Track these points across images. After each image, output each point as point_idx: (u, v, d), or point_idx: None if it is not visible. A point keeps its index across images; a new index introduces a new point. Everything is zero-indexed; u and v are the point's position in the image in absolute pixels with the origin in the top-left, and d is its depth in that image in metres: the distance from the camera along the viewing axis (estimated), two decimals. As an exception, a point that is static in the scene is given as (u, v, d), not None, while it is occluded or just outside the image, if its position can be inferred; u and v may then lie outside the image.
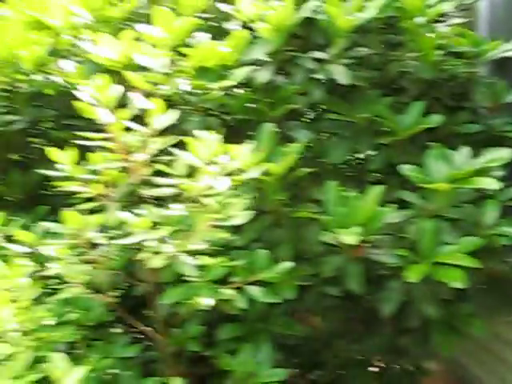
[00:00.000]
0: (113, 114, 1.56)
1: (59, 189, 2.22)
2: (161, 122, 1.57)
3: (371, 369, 2.49)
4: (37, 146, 2.52)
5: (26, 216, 2.11)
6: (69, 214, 1.51)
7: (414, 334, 2.24)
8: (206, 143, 1.51)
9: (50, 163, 2.28)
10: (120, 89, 1.64)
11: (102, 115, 1.50)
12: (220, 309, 1.72)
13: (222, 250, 1.75)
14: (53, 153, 1.66)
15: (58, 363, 1.26)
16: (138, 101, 1.59)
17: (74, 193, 2.00)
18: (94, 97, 1.53)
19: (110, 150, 1.61)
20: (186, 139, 1.53)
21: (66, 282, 1.74)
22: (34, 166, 2.40)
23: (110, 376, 1.74)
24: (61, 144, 2.38)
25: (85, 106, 1.49)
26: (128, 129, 1.60)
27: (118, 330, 1.85)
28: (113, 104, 1.57)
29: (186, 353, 1.92)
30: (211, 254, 1.63)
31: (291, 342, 2.14)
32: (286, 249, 1.91)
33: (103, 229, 1.62)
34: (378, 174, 2.19)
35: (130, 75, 1.73)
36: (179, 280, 1.68)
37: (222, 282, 1.65)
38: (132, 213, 1.53)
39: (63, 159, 1.64)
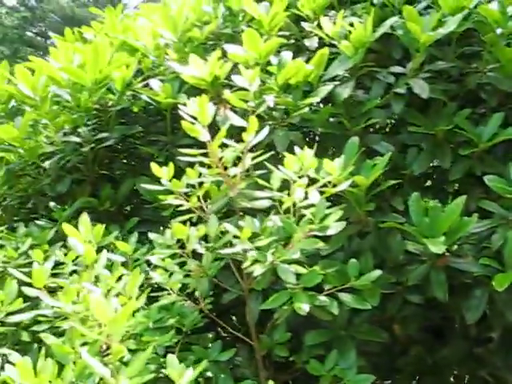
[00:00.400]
0: (209, 131, 1.66)
1: (148, 201, 2.38)
2: (255, 138, 1.66)
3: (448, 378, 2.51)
4: (124, 161, 2.69)
5: (118, 227, 2.25)
6: (176, 226, 1.62)
7: (493, 343, 2.26)
8: (299, 157, 1.59)
9: (137, 177, 2.44)
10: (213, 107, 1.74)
11: (202, 132, 1.59)
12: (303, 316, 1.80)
13: (308, 258, 1.83)
14: (154, 168, 1.76)
15: (173, 364, 1.35)
16: (232, 118, 1.68)
17: (163, 205, 2.13)
18: (192, 115, 1.63)
19: (207, 165, 1.71)
20: (281, 154, 1.62)
21: (162, 289, 1.86)
22: (121, 180, 2.55)
23: (203, 378, 1.85)
24: (147, 159, 2.53)
25: (187, 124, 1.59)
26: (223, 144, 1.70)
27: (210, 335, 1.94)
28: (209, 121, 1.67)
29: (272, 358, 2.01)
30: (300, 263, 1.71)
31: (372, 348, 2.18)
32: (369, 257, 1.96)
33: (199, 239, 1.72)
34: (457, 184, 2.23)
35: (227, 93, 1.82)
36: (270, 287, 1.78)
37: (313, 288, 1.72)
38: (232, 224, 1.62)
39: (163, 174, 1.74)
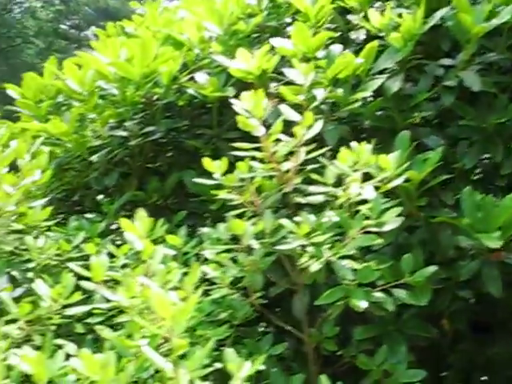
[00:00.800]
0: (263, 126, 1.66)
1: (193, 194, 2.40)
2: (308, 132, 1.66)
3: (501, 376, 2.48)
4: (168, 154, 2.70)
5: (165, 221, 2.26)
6: (234, 222, 1.62)
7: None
8: (354, 152, 1.58)
9: (183, 170, 2.45)
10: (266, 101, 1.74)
11: (256, 127, 1.59)
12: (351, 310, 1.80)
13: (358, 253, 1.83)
14: (206, 162, 1.77)
15: (231, 358, 1.36)
16: (286, 112, 1.68)
17: (210, 199, 2.14)
18: (246, 109, 1.63)
19: (259, 160, 1.71)
20: (336, 148, 1.61)
21: (212, 283, 1.87)
22: (167, 173, 2.57)
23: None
24: (192, 152, 2.55)
25: (242, 118, 1.60)
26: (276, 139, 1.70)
27: (261, 329, 1.95)
28: (263, 116, 1.67)
29: (319, 351, 2.01)
30: (355, 258, 1.70)
31: (420, 343, 2.17)
32: (419, 252, 1.94)
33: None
34: (508, 179, 2.19)
35: (273, 87, 1.82)
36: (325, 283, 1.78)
37: (368, 284, 1.71)
38: (289, 219, 1.62)
39: (215, 168, 1.75)
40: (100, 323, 1.79)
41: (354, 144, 1.64)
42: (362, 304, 1.57)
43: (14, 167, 2.18)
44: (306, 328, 1.87)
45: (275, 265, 1.92)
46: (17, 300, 1.81)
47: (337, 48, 2.09)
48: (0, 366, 1.14)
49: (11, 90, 2.76)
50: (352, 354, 1.99)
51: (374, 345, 1.99)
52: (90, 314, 1.88)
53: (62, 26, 18.36)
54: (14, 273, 2.09)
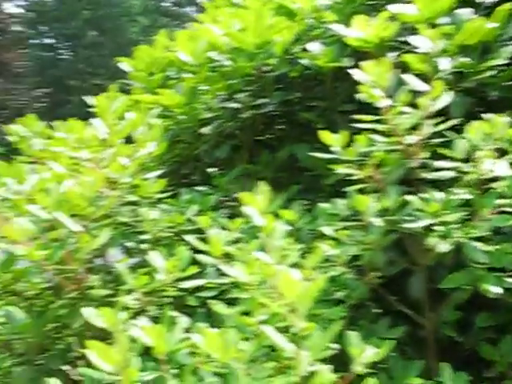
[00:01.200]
0: (386, 97, 1.56)
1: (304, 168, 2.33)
2: (436, 104, 1.54)
3: None
4: (279, 127, 2.64)
5: (278, 194, 2.20)
6: (358, 198, 1.55)
7: None
8: (487, 125, 1.45)
9: (294, 144, 2.39)
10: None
11: (381, 98, 1.50)
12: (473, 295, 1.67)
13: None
14: (324, 135, 1.70)
15: (353, 340, 1.29)
16: (412, 83, 1.57)
17: (323, 173, 2.06)
18: (370, 80, 1.54)
19: (381, 133, 1.62)
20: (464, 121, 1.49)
21: (327, 260, 1.80)
22: (278, 146, 2.51)
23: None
24: (304, 125, 2.47)
25: (366, 88, 1.50)
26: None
27: (377, 310, 1.87)
28: (387, 87, 1.57)
29: (439, 337, 1.90)
30: (486, 240, 1.57)
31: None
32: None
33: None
34: None
35: (405, 56, 1.70)
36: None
37: (497, 269, 1.59)
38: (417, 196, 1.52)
39: (334, 141, 1.67)
40: (213, 298, 1.77)
41: (487, 116, 1.50)
42: (495, 290, 1.45)
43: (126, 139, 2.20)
44: (427, 311, 1.76)
45: (393, 243, 1.83)
46: (130, 270, 1.83)
47: (466, 12, 1.94)
48: (124, 337, 1.13)
49: (124, 64, 2.80)
50: (472, 342, 1.87)
51: (496, 334, 1.86)
52: (200, 287, 1.87)
53: (164, 4, 18.72)
54: (128, 244, 2.11)
